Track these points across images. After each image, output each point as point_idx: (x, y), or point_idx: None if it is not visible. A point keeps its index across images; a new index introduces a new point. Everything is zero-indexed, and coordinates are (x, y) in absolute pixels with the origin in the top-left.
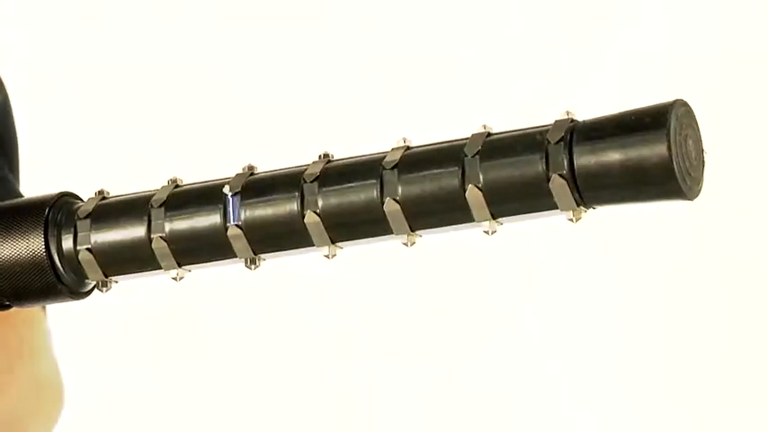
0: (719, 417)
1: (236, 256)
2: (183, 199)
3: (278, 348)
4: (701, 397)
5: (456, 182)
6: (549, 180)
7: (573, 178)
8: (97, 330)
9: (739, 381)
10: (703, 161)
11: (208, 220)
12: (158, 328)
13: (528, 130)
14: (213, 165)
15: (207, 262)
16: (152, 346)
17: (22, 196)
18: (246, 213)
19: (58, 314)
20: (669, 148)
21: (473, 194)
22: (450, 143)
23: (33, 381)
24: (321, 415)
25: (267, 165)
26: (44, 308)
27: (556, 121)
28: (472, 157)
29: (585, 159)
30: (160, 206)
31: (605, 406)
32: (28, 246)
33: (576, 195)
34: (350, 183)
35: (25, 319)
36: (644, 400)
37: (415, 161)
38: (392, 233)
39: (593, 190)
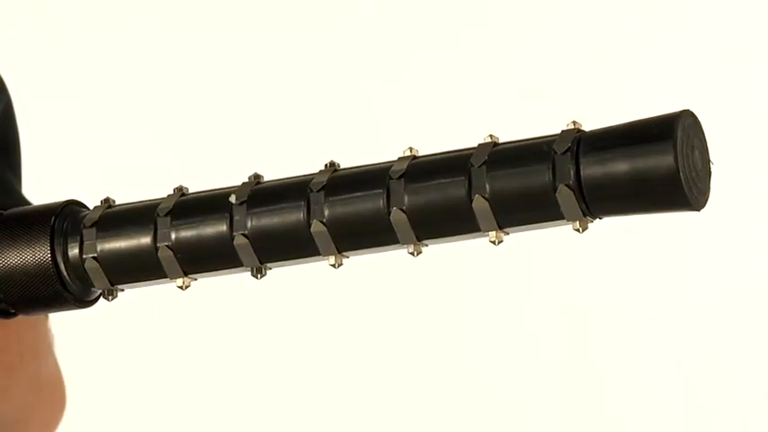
0: (725, 419)
1: (242, 265)
2: (189, 207)
3: (282, 355)
4: (706, 399)
5: (462, 192)
6: (555, 190)
7: (579, 189)
8: (99, 332)
9: (742, 382)
10: (710, 172)
11: (214, 228)
12: (161, 331)
13: (534, 141)
14: (219, 173)
15: (213, 271)
16: (155, 348)
17: (26, 201)
18: (253, 222)
19: (61, 316)
20: (676, 159)
21: (479, 204)
22: (457, 153)
23: (35, 382)
24: (325, 420)
25: (273, 173)
26: None
27: (562, 132)
28: (479, 167)
29: (592, 170)
30: (166, 215)
31: (609, 409)
32: (34, 254)
33: (583, 206)
34: (356, 192)
35: (27, 320)
36: (649, 404)
37: (421, 171)
38: (398, 243)
39: (600, 200)
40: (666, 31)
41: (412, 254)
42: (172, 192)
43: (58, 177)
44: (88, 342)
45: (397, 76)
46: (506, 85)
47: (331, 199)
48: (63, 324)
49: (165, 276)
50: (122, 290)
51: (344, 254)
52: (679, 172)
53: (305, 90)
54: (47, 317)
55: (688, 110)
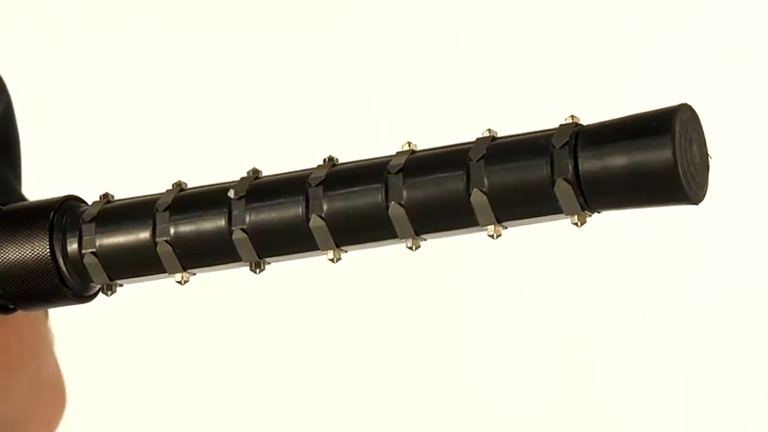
0: (724, 418)
1: (240, 260)
2: (187, 202)
3: (280, 351)
4: (704, 399)
5: (461, 186)
6: (553, 184)
7: (578, 183)
8: (99, 331)
9: (741, 381)
10: (708, 166)
11: (213, 223)
12: (161, 330)
13: (533, 135)
14: (218, 168)
15: (212, 266)
16: (155, 347)
17: (24, 200)
18: (251, 217)
19: (60, 315)
20: (674, 153)
21: (478, 199)
22: (455, 147)
23: (35, 382)
24: (324, 417)
25: (272, 168)
26: (46, 310)
27: (560, 126)
28: (477, 161)
29: (590, 164)
30: (165, 210)
31: (605, 408)
32: (33, 249)
33: (581, 200)
34: (355, 187)
35: (27, 320)
36: (647, 404)
37: (419, 165)
38: (397, 237)
39: (598, 194)
40: (666, 31)
41: (410, 248)
42: (170, 187)
43: (57, 174)
44: (88, 342)
45: (395, 73)
46: (506, 84)
47: (329, 194)
48: (63, 324)
49: (164, 271)
50: (121, 285)
51: (343, 248)
52: (677, 165)
53: (303, 85)
54: (47, 317)
55: (686, 103)
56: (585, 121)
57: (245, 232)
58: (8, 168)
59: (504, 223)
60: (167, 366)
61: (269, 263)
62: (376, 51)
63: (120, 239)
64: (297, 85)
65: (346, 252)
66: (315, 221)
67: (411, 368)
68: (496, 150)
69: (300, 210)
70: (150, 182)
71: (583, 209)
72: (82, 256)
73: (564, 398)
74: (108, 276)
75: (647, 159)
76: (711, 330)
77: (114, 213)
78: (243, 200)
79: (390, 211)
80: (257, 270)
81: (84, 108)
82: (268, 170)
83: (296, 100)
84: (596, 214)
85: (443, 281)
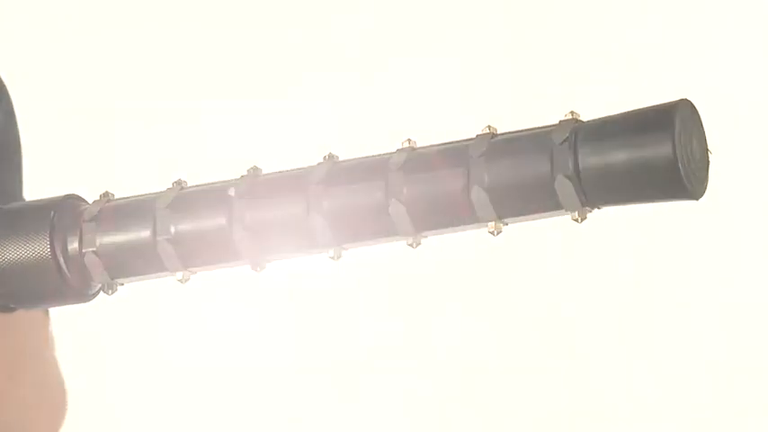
0: (726, 419)
1: (241, 259)
2: (188, 201)
3: (280, 349)
4: (705, 400)
5: (461, 183)
6: (554, 180)
7: (578, 179)
8: (100, 333)
9: (739, 382)
10: (708, 161)
11: (213, 222)
12: (161, 329)
13: (533, 131)
14: (218, 166)
15: (213, 264)
16: (155, 347)
17: (25, 201)
18: (252, 215)
19: (60, 317)
20: (674, 149)
21: (478, 195)
22: (456, 144)
23: (37, 384)
24: (323, 417)
25: (272, 166)
26: (47, 312)
27: (561, 122)
28: (477, 157)
29: (590, 160)
30: (165, 208)
31: (604, 408)
32: (34, 248)
33: (582, 196)
34: (355, 184)
35: (28, 322)
36: (647, 404)
37: (420, 162)
38: (397, 234)
39: (598, 190)
40: (666, 30)
41: (411, 245)
42: (171, 186)
43: (57, 174)
44: (90, 344)
45: (395, 73)
46: (506, 84)
47: (330, 191)
48: (63, 324)
49: (165, 270)
50: (122, 284)
51: (344, 246)
52: (677, 161)
53: (303, 84)
54: (48, 319)
55: (686, 99)
56: (585, 117)
57: (246, 230)
58: (9, 169)
59: (505, 220)
60: (167, 366)
61: (270, 261)
62: (376, 51)
63: (120, 238)
64: (297, 83)
65: (347, 250)
66: (315, 219)
67: (408, 365)
68: (497, 147)
69: (301, 208)
70: (150, 181)
71: (583, 205)
72: (83, 254)
73: (561, 396)
74: (108, 275)
75: (647, 155)
76: (710, 329)
77: (115, 212)
78: (243, 198)
79: (391, 209)
80: (258, 268)
81: (84, 108)
82: (268, 168)
83: (296, 98)
84: (597, 210)
85: (442, 277)
